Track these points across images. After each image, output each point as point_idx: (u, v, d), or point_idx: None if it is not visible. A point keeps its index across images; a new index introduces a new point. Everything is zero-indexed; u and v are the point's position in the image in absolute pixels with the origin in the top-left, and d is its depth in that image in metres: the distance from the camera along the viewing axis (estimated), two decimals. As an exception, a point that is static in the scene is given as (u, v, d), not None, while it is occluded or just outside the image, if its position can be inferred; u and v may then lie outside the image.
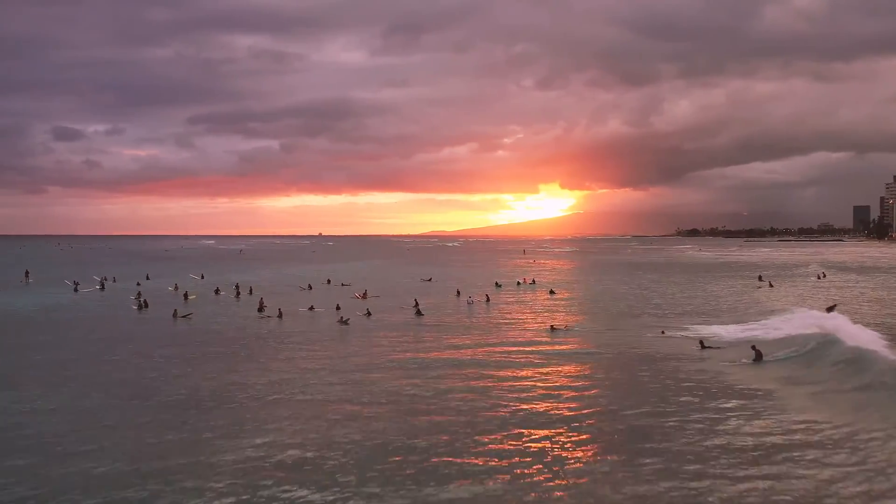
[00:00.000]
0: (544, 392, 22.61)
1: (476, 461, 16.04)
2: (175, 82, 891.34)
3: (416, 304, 47.13)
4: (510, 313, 45.59)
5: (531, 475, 15.16)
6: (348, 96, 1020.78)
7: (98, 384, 24.18)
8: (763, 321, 38.11)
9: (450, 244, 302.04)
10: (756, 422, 18.85)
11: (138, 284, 65.47)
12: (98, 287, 64.77)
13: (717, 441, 17.25)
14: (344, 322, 39.83)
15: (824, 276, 79.37)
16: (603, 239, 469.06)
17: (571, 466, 15.69)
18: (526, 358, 28.91)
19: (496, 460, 16.03)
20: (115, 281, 71.21)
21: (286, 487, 14.50)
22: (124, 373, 26.27)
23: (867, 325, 33.40)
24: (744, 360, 27.28)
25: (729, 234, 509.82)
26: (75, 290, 61.79)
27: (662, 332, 35.11)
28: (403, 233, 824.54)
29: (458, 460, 16.07)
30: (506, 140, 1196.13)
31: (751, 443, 17.06)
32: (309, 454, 16.50)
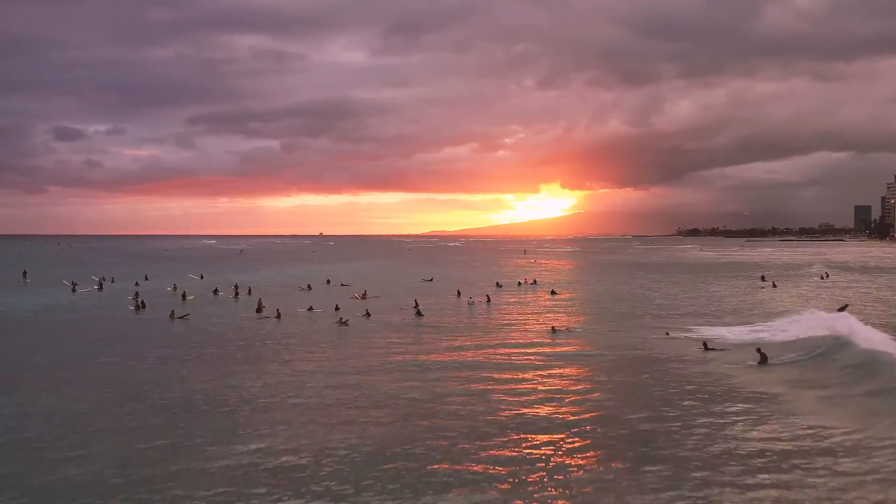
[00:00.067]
0: (545, 395, 22.12)
1: (476, 468, 15.56)
2: (176, 82, 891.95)
3: (416, 304, 46.67)
4: (511, 314, 45.10)
5: (532, 483, 14.69)
6: (349, 96, 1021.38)
7: (91, 387, 23.72)
8: (769, 323, 37.54)
9: (451, 244, 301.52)
10: (763, 427, 18.36)
11: (137, 285, 65.02)
12: (96, 287, 64.36)
13: (723, 447, 16.77)
14: (343, 323, 39.36)
15: (827, 276, 78.82)
16: (604, 239, 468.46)
17: (574, 474, 15.21)
18: (527, 360, 28.43)
19: (496, 467, 15.54)
20: (113, 281, 70.76)
21: (279, 495, 14.05)
22: (118, 375, 25.81)
23: (876, 326, 32.71)
24: (749, 363, 26.75)
25: (730, 233, 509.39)
26: (73, 290, 61.36)
27: (667, 334, 34.59)
28: (404, 233, 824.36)
29: (458, 467, 15.60)
30: (506, 140, 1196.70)
31: (758, 449, 16.56)
32: (304, 460, 16.03)
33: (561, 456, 16.33)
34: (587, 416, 19.74)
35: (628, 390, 22.98)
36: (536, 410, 20.30)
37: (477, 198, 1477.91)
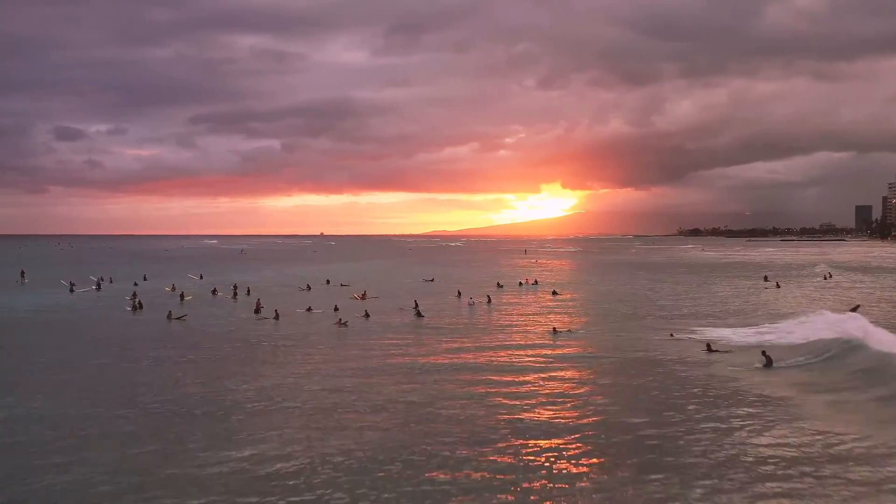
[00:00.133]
0: (547, 399, 21.63)
1: (476, 475, 15.09)
2: (176, 82, 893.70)
3: (416, 305, 46.18)
4: (512, 315, 44.62)
5: (534, 491, 14.23)
6: (349, 96, 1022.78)
7: (83, 390, 23.24)
8: (775, 324, 36.93)
9: (452, 244, 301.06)
10: (771, 433, 17.86)
11: (135, 285, 64.59)
12: (94, 288, 63.95)
13: (729, 453, 16.28)
14: (342, 324, 38.90)
15: (830, 276, 78.31)
16: (605, 239, 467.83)
17: (577, 483, 14.71)
18: (528, 362, 27.95)
19: (497, 475, 15.07)
20: (111, 282, 70.35)
21: (272, 503, 13.58)
22: (111, 378, 25.35)
23: (886, 327, 32.02)
24: (756, 366, 26.20)
25: (731, 233, 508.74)
26: (71, 290, 60.90)
27: (671, 335, 34.09)
28: (405, 232, 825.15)
29: (457, 474, 15.13)
30: (507, 140, 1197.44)
31: (766, 455, 16.08)
32: (298, 467, 15.56)
33: (563, 462, 15.85)
34: (589, 420, 19.26)
35: (631, 393, 22.48)
36: (538, 415, 19.82)
37: (478, 198, 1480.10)
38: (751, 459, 15.84)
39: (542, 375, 25.23)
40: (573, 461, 15.96)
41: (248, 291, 58.40)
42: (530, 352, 30.31)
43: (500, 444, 17.05)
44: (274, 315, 42.40)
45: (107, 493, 14.13)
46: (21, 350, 31.24)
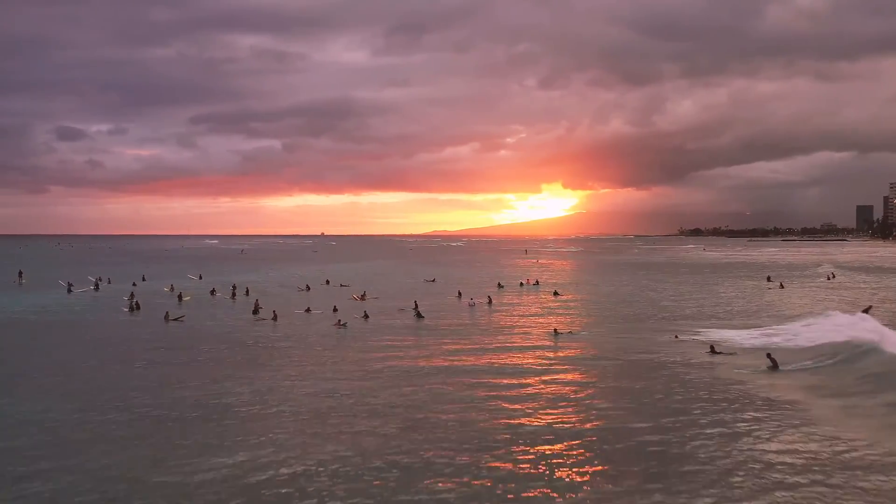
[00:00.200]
0: (548, 403, 21.10)
1: (476, 483, 14.60)
2: (177, 82, 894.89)
3: (416, 306, 45.68)
4: (512, 316, 44.11)
5: (535, 500, 13.76)
6: (350, 96, 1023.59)
7: (74, 393, 22.72)
8: (782, 326, 36.21)
9: (454, 244, 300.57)
10: (778, 440, 17.34)
11: (134, 285, 64.09)
12: (92, 288, 63.45)
13: (736, 460, 15.78)
14: (341, 325, 38.42)
15: (834, 276, 77.77)
16: (606, 239, 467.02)
17: (579, 493, 14.19)
18: (529, 364, 27.44)
19: (497, 483, 14.58)
20: (109, 282, 69.82)
21: (263, 515, 13.10)
22: (103, 380, 24.84)
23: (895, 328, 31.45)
24: (763, 368, 25.62)
25: (732, 233, 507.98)
26: (69, 290, 60.38)
27: (676, 337, 33.57)
28: (406, 232, 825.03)
29: (456, 482, 14.64)
30: (508, 140, 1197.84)
31: (775, 462, 15.58)
32: (292, 474, 15.08)
33: (564, 470, 15.35)
34: (591, 425, 18.76)
35: (634, 397, 21.95)
36: (539, 420, 19.31)
37: (478, 198, 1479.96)
38: (759, 467, 15.33)
39: (544, 378, 24.73)
40: (575, 469, 15.45)
41: (247, 292, 57.92)
42: (531, 354, 29.81)
43: (501, 451, 16.56)
44: (272, 316, 41.89)
45: (92, 502, 13.65)
46: (13, 351, 30.76)
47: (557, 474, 15.09)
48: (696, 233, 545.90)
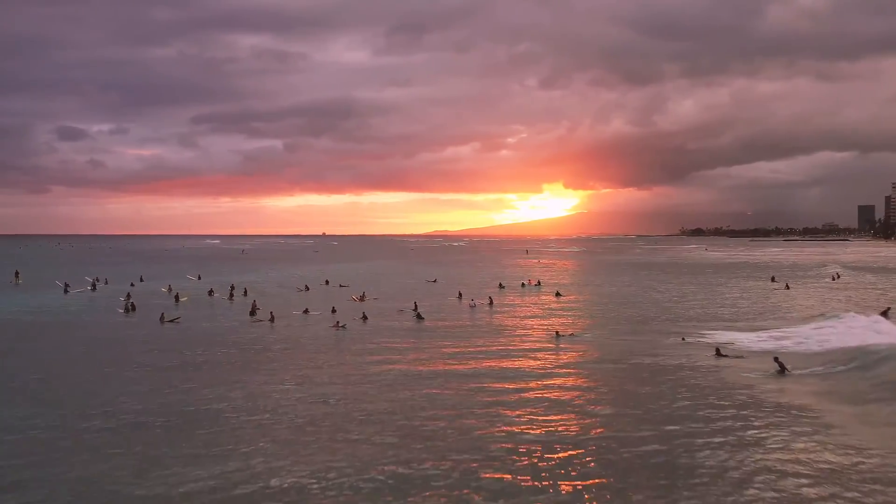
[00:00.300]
0: (549, 410, 20.32)
1: (477, 497, 13.84)
2: (178, 82, 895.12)
3: (416, 307, 44.93)
4: (514, 317, 43.36)
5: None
6: (351, 96, 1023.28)
7: (61, 397, 21.99)
8: (793, 328, 35.29)
9: (455, 244, 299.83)
10: (791, 449, 16.52)
11: (132, 286, 63.49)
12: (89, 288, 62.76)
13: (747, 470, 14.98)
14: (339, 327, 37.70)
15: (839, 276, 76.94)
16: (607, 239, 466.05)
17: (584, 506, 13.45)
18: (530, 368, 26.68)
19: (498, 495, 13.82)
20: (107, 283, 69.12)
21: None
22: (92, 384, 24.10)
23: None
24: (772, 373, 24.83)
25: (733, 233, 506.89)
26: (65, 291, 59.74)
27: (682, 339, 32.79)
28: (407, 232, 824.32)
29: (455, 494, 13.89)
30: (509, 140, 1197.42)
31: (788, 472, 14.81)
32: (284, 485, 14.33)
33: (568, 482, 14.57)
34: (595, 433, 17.98)
35: (639, 403, 21.16)
36: (540, 427, 18.52)
37: (480, 197, 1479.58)
38: (772, 478, 14.56)
39: (545, 383, 23.98)
40: (578, 481, 14.67)
41: (245, 292, 57.23)
42: (532, 357, 29.06)
43: (501, 461, 15.81)
44: (269, 317, 41.16)
45: (70, 518, 12.94)
46: (1, 353, 30.00)
47: (562, 486, 14.32)
48: (698, 233, 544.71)
